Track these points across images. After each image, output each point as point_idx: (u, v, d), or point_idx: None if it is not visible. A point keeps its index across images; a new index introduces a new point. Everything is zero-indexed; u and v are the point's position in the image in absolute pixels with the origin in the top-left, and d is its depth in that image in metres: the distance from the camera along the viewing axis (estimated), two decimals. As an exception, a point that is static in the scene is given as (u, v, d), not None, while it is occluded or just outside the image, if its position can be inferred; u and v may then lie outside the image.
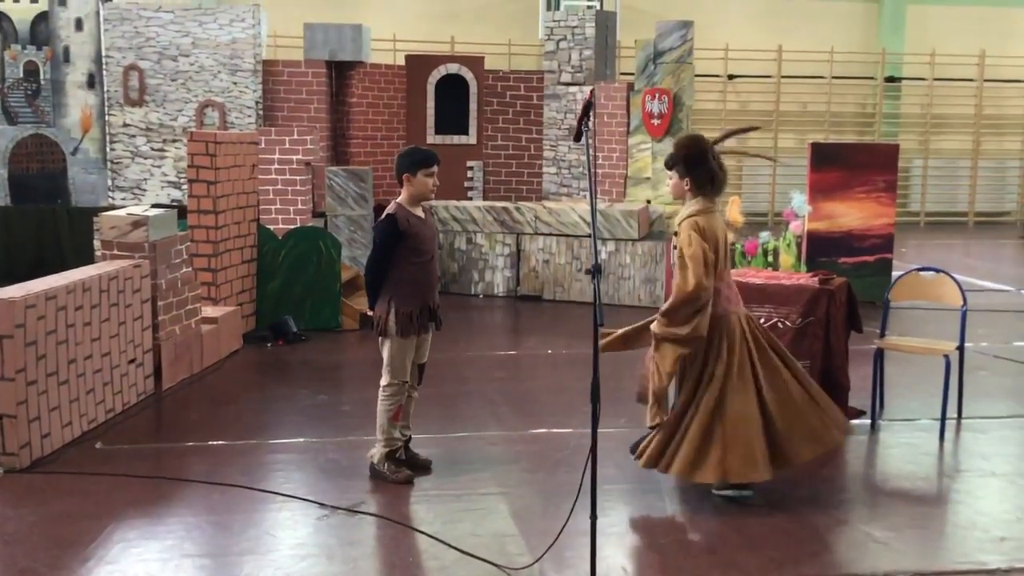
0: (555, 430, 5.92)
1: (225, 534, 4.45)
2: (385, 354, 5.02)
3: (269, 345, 8.09)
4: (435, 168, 5.04)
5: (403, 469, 5.10)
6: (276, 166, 9.32)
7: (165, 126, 11.53)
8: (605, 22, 12.19)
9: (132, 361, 6.27)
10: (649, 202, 10.65)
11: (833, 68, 18.38)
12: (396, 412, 5.06)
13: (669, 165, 4.87)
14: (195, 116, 11.48)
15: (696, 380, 4.75)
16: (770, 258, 9.61)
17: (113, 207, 10.63)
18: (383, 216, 5.02)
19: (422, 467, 5.23)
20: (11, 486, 4.93)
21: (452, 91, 12.23)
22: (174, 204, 10.84)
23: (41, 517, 4.57)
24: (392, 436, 5.07)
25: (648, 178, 10.84)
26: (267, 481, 5.06)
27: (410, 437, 5.27)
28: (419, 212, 5.08)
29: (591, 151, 4.45)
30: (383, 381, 5.05)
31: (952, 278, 6.12)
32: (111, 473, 5.11)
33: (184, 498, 4.85)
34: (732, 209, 9.86)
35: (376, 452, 5.11)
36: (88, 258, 8.94)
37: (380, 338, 5.03)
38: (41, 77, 11.42)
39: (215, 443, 5.67)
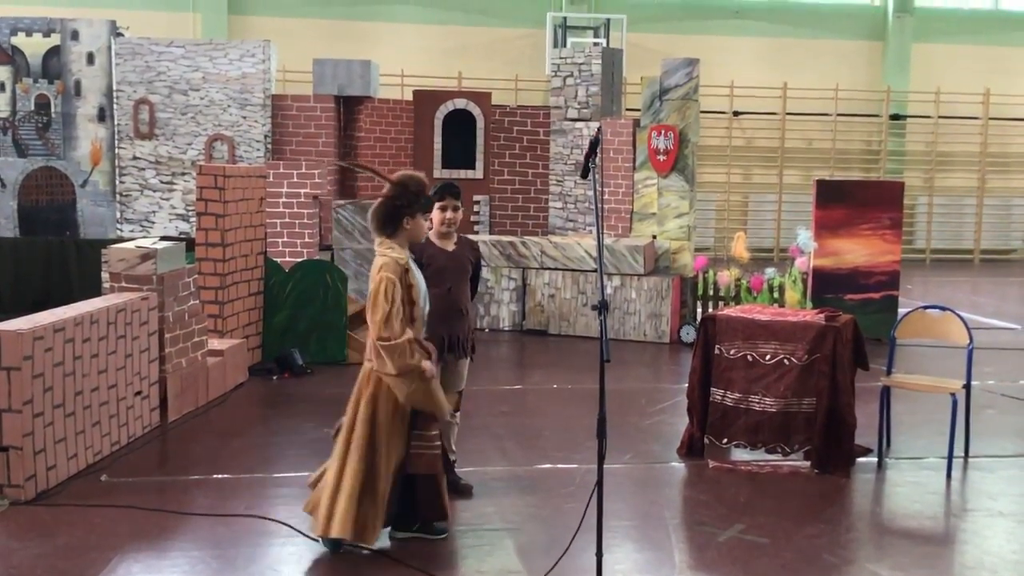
0: (560, 465, 5.91)
1: (229, 568, 4.43)
2: None
3: (275, 378, 8.10)
4: (446, 201, 5.09)
5: None
6: (284, 199, 9.38)
7: (174, 159, 11.61)
8: (611, 59, 12.28)
9: (138, 394, 6.28)
10: (655, 237, 10.68)
11: (838, 105, 18.48)
12: None
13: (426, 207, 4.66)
14: (204, 149, 11.56)
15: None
16: (776, 294, 9.64)
17: (122, 239, 10.68)
18: None
19: (463, 492, 5.31)
20: (16, 518, 4.93)
21: (459, 126, 12.30)
22: (182, 237, 10.88)
23: (46, 550, 4.56)
24: None
25: (654, 213, 10.89)
26: (272, 515, 5.04)
27: (454, 461, 5.38)
28: (446, 244, 5.18)
29: (598, 186, 4.48)
30: None
31: (958, 316, 6.12)
32: (116, 505, 5.10)
33: (188, 531, 4.84)
34: (738, 245, 9.94)
35: None
36: (96, 290, 8.98)
37: None
38: (52, 110, 11.53)
39: (220, 476, 5.66)
